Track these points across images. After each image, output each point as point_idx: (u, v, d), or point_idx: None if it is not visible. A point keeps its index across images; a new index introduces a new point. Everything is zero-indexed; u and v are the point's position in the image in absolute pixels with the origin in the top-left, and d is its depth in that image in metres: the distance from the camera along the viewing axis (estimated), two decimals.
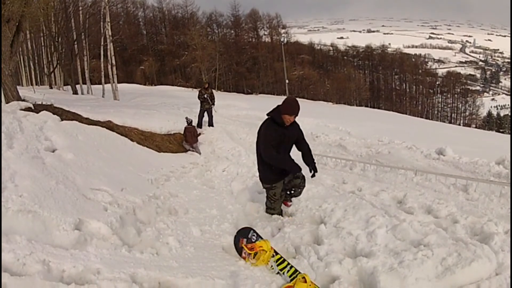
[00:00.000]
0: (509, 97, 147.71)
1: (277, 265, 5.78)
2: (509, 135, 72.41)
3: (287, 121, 7.50)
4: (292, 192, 8.17)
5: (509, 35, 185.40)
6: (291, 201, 8.54)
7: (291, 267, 5.67)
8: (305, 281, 5.17)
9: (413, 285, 5.26)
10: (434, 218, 8.06)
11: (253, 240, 6.08)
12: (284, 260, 5.85)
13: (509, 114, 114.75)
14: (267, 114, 7.76)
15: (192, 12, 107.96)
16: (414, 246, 6.19)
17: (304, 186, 8.20)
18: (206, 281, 4.96)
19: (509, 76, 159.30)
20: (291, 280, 5.45)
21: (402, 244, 6.39)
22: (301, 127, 8.15)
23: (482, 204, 9.49)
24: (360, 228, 7.00)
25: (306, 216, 8.27)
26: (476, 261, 5.48)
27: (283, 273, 5.66)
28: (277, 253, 6.00)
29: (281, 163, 7.73)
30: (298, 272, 5.53)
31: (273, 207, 8.37)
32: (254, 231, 6.40)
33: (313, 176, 8.03)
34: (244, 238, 6.13)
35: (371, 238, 6.59)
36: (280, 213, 8.45)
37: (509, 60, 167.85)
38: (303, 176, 8.03)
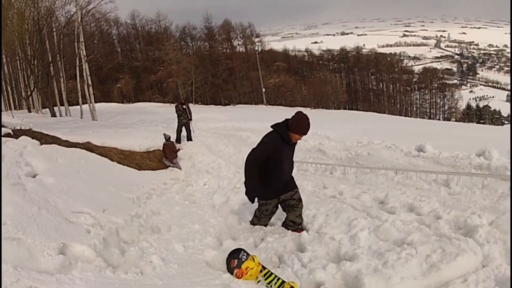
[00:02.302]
0: (487, 87, 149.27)
1: (265, 279, 5.84)
2: (490, 126, 73.01)
3: (295, 140, 7.21)
4: (288, 212, 7.91)
5: (484, 27, 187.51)
6: (301, 228, 7.91)
7: (278, 279, 5.73)
8: None
9: (398, 285, 5.27)
10: (416, 216, 8.05)
11: (243, 260, 6.07)
12: (272, 273, 5.91)
13: (488, 105, 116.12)
14: (272, 127, 7.30)
15: (166, 27, 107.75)
16: (397, 245, 6.23)
17: (300, 207, 7.91)
18: None
19: (486, 67, 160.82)
20: None
21: (385, 244, 6.44)
22: None
23: (465, 197, 9.55)
24: (343, 232, 7.07)
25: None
26: (461, 255, 5.54)
27: (271, 286, 5.72)
28: (264, 268, 6.06)
29: (249, 180, 7.39)
30: (285, 282, 5.60)
31: (260, 220, 8.19)
32: (245, 251, 6.34)
33: None
34: (235, 260, 6.13)
35: (354, 241, 6.63)
36: (266, 225, 8.23)
37: (485, 52, 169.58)
38: (300, 199, 7.86)
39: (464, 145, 15.17)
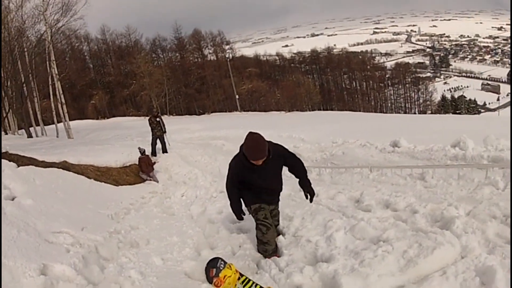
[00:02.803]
0: (461, 78, 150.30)
1: (243, 287, 5.86)
2: (466, 115, 73.33)
3: (256, 163, 6.44)
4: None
5: (454, 18, 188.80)
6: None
7: (256, 285, 5.75)
8: None
9: (376, 283, 5.24)
10: (392, 212, 8.08)
11: (221, 268, 6.08)
12: (249, 280, 5.91)
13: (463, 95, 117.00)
14: (240, 147, 6.61)
15: (136, 40, 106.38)
16: (373, 243, 6.26)
17: (274, 226, 7.34)
18: None
19: (459, 58, 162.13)
20: None
21: (361, 243, 6.45)
22: (284, 147, 7.04)
23: (441, 189, 9.58)
24: (319, 233, 7.06)
25: None
26: (438, 248, 5.54)
27: None
28: (242, 275, 6.05)
29: (233, 205, 7.08)
30: None
31: (267, 239, 7.00)
32: (222, 260, 6.31)
33: (309, 200, 6.98)
34: (213, 269, 6.15)
35: (330, 242, 6.62)
36: (275, 249, 7.12)
37: (457, 43, 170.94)
38: (277, 217, 7.75)
39: (440, 137, 15.15)
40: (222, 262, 6.25)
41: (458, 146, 12.61)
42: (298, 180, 7.07)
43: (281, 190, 7.40)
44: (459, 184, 9.75)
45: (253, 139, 6.35)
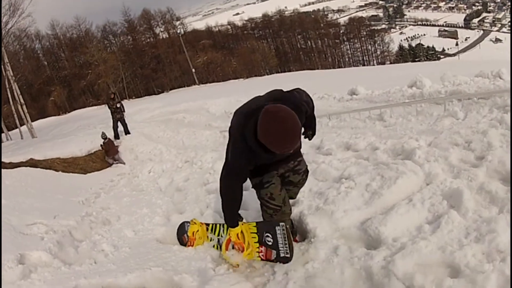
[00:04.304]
0: (417, 27, 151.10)
1: (214, 234, 5.79)
2: (425, 62, 73.76)
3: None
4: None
5: None
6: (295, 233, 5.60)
7: (223, 224, 5.56)
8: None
9: (342, 218, 5.26)
10: (353, 152, 8.23)
11: (186, 229, 6.10)
12: (217, 224, 5.85)
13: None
14: (235, 113, 4.56)
15: (86, 29, 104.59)
16: (336, 182, 6.32)
17: (302, 185, 5.50)
18: (144, 273, 5.13)
19: (413, 7, 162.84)
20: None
21: (324, 184, 6.54)
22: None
23: (401, 126, 9.89)
24: None
25: None
26: (400, 177, 5.62)
27: (221, 235, 5.66)
28: (208, 224, 5.99)
29: (228, 206, 4.93)
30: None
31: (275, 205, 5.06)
32: (186, 222, 6.23)
33: (307, 137, 5.07)
34: (184, 234, 6.17)
35: None
36: (292, 230, 5.48)
37: None
38: (306, 170, 5.34)
39: (397, 82, 15.43)
40: (187, 223, 6.22)
41: (415, 85, 12.94)
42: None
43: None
44: (418, 119, 10.16)
45: (279, 119, 3.78)
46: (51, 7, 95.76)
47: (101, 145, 18.05)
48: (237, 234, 5.02)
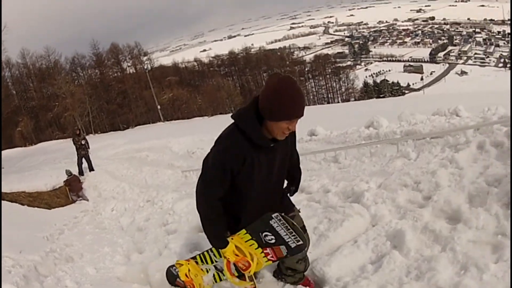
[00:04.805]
0: (382, 62, 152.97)
1: (206, 263, 5.05)
2: (390, 98, 74.60)
3: (280, 135, 3.62)
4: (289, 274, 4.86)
5: (371, 5, 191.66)
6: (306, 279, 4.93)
7: (211, 248, 4.93)
8: None
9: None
10: (307, 194, 8.24)
11: (177, 273, 5.23)
12: (203, 252, 5.16)
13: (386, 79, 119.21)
14: (233, 118, 3.73)
15: (55, 60, 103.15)
16: None
17: (304, 266, 4.76)
18: None
19: (378, 43, 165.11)
20: None
21: None
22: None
23: (354, 168, 10.10)
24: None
25: (188, 229, 8.41)
26: (347, 220, 5.76)
27: (215, 261, 4.98)
28: (194, 258, 5.21)
29: (208, 227, 4.05)
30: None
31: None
32: (172, 266, 5.40)
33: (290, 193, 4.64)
34: (176, 279, 5.32)
35: None
36: None
37: (375, 29, 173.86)
38: (303, 228, 4.50)
39: (357, 121, 15.61)
40: (173, 267, 5.41)
41: (372, 126, 13.08)
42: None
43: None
44: (372, 160, 10.41)
45: (289, 82, 3.49)
46: (23, 36, 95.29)
47: (64, 182, 18.22)
48: (233, 252, 4.17)
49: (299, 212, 4.71)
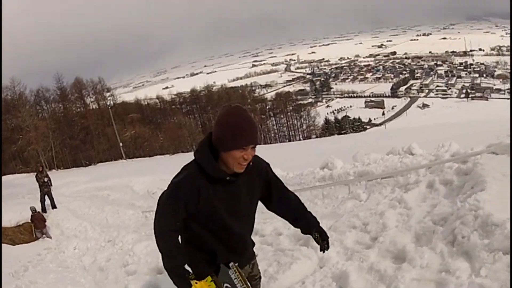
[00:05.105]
0: (344, 99, 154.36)
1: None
2: (351, 134, 75.68)
3: (237, 166, 3.30)
4: None
5: (333, 42, 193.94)
6: None
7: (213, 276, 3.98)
8: None
9: None
10: (260, 237, 8.41)
11: None
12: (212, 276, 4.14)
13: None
14: (195, 157, 3.46)
15: (20, 92, 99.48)
16: None
17: None
18: None
19: (340, 80, 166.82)
20: None
21: None
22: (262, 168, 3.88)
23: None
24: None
25: (147, 270, 8.73)
26: (295, 263, 6.02)
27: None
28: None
29: (167, 255, 3.53)
30: None
31: None
32: None
33: (323, 249, 4.24)
34: None
35: None
36: None
37: (337, 66, 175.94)
38: (259, 277, 4.31)
39: (314, 161, 15.75)
40: None
41: (327, 167, 13.06)
42: (294, 220, 4.36)
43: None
44: (324, 202, 10.50)
45: (238, 111, 3.32)
46: None
47: (31, 218, 18.28)
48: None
49: (256, 256, 4.32)
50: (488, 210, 5.34)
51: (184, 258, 3.56)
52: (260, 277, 4.29)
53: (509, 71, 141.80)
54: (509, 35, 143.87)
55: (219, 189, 3.39)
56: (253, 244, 4.11)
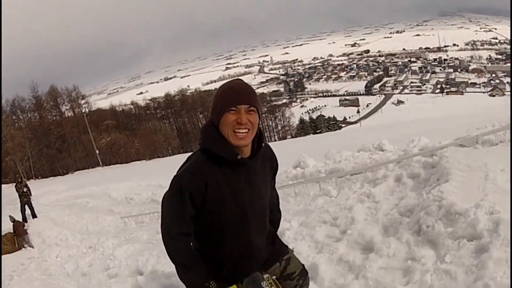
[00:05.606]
0: (318, 98, 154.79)
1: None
2: (326, 133, 75.84)
3: (235, 136, 2.85)
4: None
5: (306, 43, 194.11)
6: None
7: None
8: None
9: None
10: None
11: None
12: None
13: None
14: (199, 144, 3.06)
15: None
16: None
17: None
18: None
19: (313, 80, 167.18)
20: None
21: None
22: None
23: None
24: (172, 266, 7.79)
25: (128, 273, 8.94)
26: None
27: None
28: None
29: (182, 273, 3.20)
30: None
31: None
32: None
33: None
34: None
35: None
36: None
37: (310, 66, 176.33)
38: (303, 272, 3.73)
39: (290, 159, 15.01)
40: None
41: (299, 166, 13.21)
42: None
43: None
44: (296, 200, 10.70)
45: (231, 80, 3.13)
46: None
47: (13, 228, 18.29)
48: None
49: (293, 251, 3.80)
50: (452, 200, 5.66)
51: (204, 269, 3.10)
52: (300, 273, 3.64)
53: (484, 64, 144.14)
54: (484, 30, 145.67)
55: (230, 175, 2.96)
56: (273, 240, 3.57)
